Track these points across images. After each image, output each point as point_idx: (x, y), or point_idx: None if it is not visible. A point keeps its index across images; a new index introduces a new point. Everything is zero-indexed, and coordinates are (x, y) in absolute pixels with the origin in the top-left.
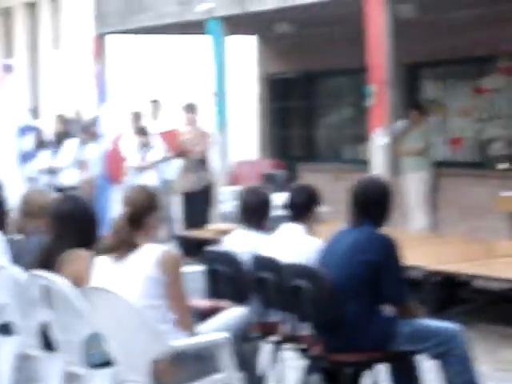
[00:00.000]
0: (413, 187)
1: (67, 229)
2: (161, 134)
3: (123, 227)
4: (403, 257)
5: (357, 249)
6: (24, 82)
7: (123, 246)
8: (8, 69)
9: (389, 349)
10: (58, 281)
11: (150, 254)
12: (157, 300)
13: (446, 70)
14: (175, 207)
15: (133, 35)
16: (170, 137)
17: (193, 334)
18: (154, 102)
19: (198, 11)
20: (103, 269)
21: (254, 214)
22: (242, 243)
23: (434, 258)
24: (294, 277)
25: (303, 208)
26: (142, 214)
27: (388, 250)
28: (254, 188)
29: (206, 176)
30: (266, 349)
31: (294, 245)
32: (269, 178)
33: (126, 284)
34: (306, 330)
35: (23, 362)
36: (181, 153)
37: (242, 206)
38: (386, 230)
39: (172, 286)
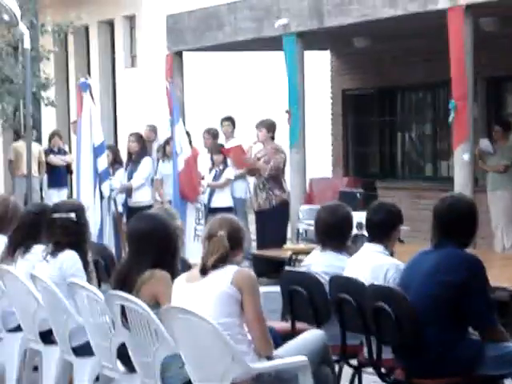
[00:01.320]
0: (497, 205)
1: (145, 248)
2: (226, 150)
3: (225, 247)
4: (489, 278)
5: (439, 269)
6: (100, 100)
7: (217, 264)
8: (85, 88)
9: (475, 373)
10: (135, 301)
11: (226, 273)
12: (232, 318)
13: None
14: (249, 226)
15: (209, 52)
16: (235, 153)
17: (271, 355)
18: (228, 119)
19: (275, 27)
20: (181, 287)
21: (333, 233)
22: (322, 264)
23: None
24: (375, 299)
25: (382, 227)
26: (240, 235)
27: (474, 270)
28: (332, 206)
29: (277, 194)
30: (346, 372)
31: (373, 266)
32: (345, 197)
33: (202, 302)
34: (387, 353)
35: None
36: (252, 170)
37: (320, 225)
38: (469, 249)
39: (249, 306)
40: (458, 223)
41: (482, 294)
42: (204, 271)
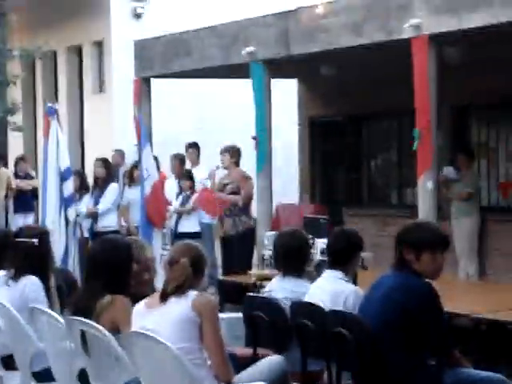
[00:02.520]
0: (460, 232)
1: (97, 273)
2: (198, 202)
3: (187, 274)
4: (444, 304)
5: (392, 296)
6: (68, 125)
7: (178, 290)
8: (52, 112)
9: None
10: (95, 327)
11: (187, 298)
12: (192, 343)
13: (495, 113)
14: (215, 252)
15: (176, 79)
16: (205, 202)
17: (230, 381)
18: (193, 146)
19: (242, 54)
20: (140, 313)
21: (291, 258)
22: (283, 289)
23: (482, 305)
24: (335, 324)
25: (343, 253)
26: (202, 262)
27: (425, 297)
28: (289, 231)
29: (244, 220)
30: None
31: (333, 292)
32: (310, 223)
33: (162, 327)
34: (347, 379)
35: None
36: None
37: (278, 251)
38: None
39: (208, 331)
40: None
41: (437, 320)
42: (164, 297)
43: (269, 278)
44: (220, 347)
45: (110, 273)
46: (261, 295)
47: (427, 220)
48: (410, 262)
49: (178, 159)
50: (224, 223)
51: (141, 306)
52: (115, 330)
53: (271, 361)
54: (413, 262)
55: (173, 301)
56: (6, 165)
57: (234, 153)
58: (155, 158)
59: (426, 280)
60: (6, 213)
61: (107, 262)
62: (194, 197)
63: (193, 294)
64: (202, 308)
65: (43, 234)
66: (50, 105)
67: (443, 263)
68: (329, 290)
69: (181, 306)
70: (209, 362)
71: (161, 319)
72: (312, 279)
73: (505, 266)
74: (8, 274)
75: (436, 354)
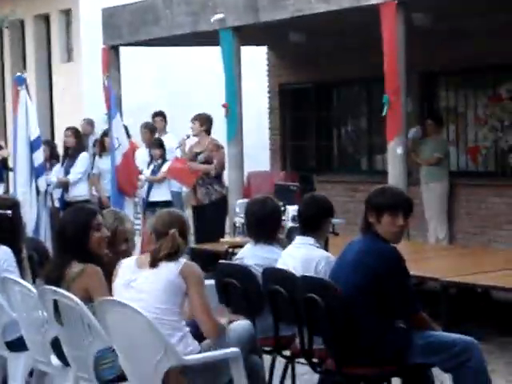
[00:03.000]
0: (430, 197)
1: (64, 243)
2: (169, 172)
3: (178, 244)
4: (413, 268)
5: (361, 261)
6: (37, 94)
7: (169, 257)
8: (20, 82)
9: (403, 362)
10: (67, 296)
11: (176, 264)
12: (173, 306)
13: (463, 79)
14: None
15: (144, 47)
16: (177, 172)
17: (220, 336)
18: (160, 114)
19: (211, 21)
20: (129, 270)
21: (261, 225)
22: (254, 256)
23: (451, 269)
24: (307, 290)
25: (313, 220)
26: (187, 231)
27: (391, 261)
28: (260, 199)
29: (217, 189)
30: (278, 363)
31: (304, 258)
32: (281, 190)
33: (149, 287)
34: (318, 344)
35: (35, 378)
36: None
37: (250, 219)
38: (403, 241)
39: (194, 294)
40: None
41: (401, 283)
42: (154, 264)
43: (241, 246)
44: (206, 306)
45: (71, 240)
46: (233, 262)
47: (393, 185)
48: (373, 225)
49: (148, 128)
50: (197, 192)
51: (131, 261)
52: (88, 299)
53: (239, 325)
54: (375, 224)
55: (163, 265)
56: None
57: (203, 120)
58: (125, 127)
59: (391, 245)
60: None
61: (67, 229)
62: (166, 166)
63: (182, 261)
64: (190, 274)
65: (15, 205)
66: (18, 74)
67: (405, 228)
68: (300, 256)
69: (169, 270)
70: (185, 329)
71: (148, 279)
72: (283, 246)
73: (474, 230)
74: None
75: (403, 317)
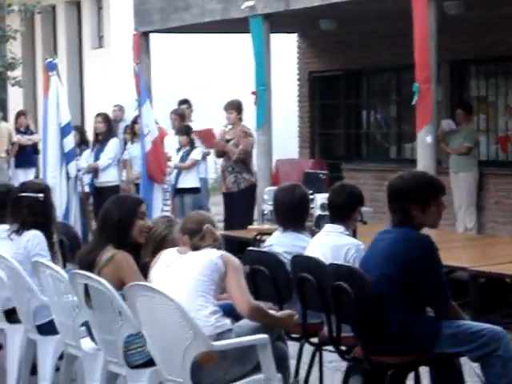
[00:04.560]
0: (459, 187)
1: (105, 229)
2: (196, 132)
3: (217, 238)
4: (442, 258)
5: (393, 250)
6: (67, 80)
7: (199, 245)
8: (52, 67)
9: (431, 351)
10: (97, 281)
11: (217, 251)
12: (212, 283)
13: (494, 68)
14: (215, 207)
15: (175, 34)
16: (205, 135)
17: (255, 317)
18: (185, 102)
19: (241, 8)
20: (168, 257)
21: (290, 213)
22: (283, 244)
23: (480, 259)
24: (335, 278)
25: (343, 208)
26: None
27: (425, 251)
28: (288, 187)
29: (245, 177)
30: (306, 350)
31: (332, 245)
32: (310, 178)
33: (190, 263)
34: (346, 331)
35: (65, 362)
36: (221, 153)
37: (278, 206)
38: (430, 230)
39: (234, 278)
40: (410, 202)
41: (435, 272)
42: (196, 249)
43: (269, 233)
44: (244, 289)
45: (114, 227)
46: (261, 249)
47: (414, 171)
48: (416, 217)
49: (178, 114)
50: (226, 180)
51: (172, 250)
52: (119, 284)
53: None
54: (418, 217)
55: (205, 250)
56: (5, 120)
57: (239, 109)
58: (155, 114)
59: (426, 234)
60: (8, 168)
61: (112, 216)
62: (194, 153)
63: (224, 251)
64: (230, 261)
65: (47, 189)
66: (49, 59)
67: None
68: (330, 244)
69: (211, 252)
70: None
71: (190, 258)
72: (312, 234)
73: (503, 220)
74: (11, 228)
75: (434, 306)
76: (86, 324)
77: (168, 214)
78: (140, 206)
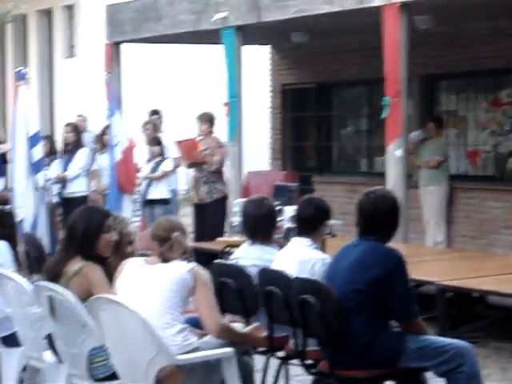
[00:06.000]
0: (429, 200)
1: (71, 240)
2: (178, 142)
3: (185, 247)
4: (411, 272)
5: (362, 264)
6: (39, 90)
7: (167, 256)
8: (21, 77)
9: (397, 365)
10: (62, 293)
11: (186, 264)
12: (180, 300)
13: (464, 82)
14: (185, 218)
15: (146, 44)
16: (187, 146)
17: (222, 337)
18: (156, 113)
19: (213, 20)
20: (134, 267)
21: (257, 226)
22: (250, 257)
23: (448, 273)
24: (301, 291)
25: (310, 221)
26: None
27: (393, 264)
28: (256, 199)
29: (219, 188)
30: (272, 364)
31: (298, 258)
32: (280, 190)
33: (158, 277)
34: (312, 345)
35: (28, 374)
36: (195, 163)
37: (245, 218)
38: (399, 244)
39: (203, 293)
40: (379, 218)
41: (402, 287)
42: (166, 261)
43: (238, 245)
44: (212, 304)
45: (80, 239)
46: (228, 262)
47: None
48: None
49: (151, 125)
50: (199, 191)
51: (138, 260)
52: (87, 297)
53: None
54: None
55: (174, 262)
56: None
57: (211, 121)
58: (125, 124)
59: (394, 247)
60: None
61: (78, 228)
62: (165, 165)
63: (194, 264)
64: (200, 275)
65: (10, 201)
66: (19, 69)
67: None
68: (296, 257)
69: (181, 266)
70: (181, 325)
71: (158, 271)
72: (281, 246)
73: (472, 234)
74: None
75: (401, 320)
76: (48, 336)
77: (137, 224)
78: (107, 220)
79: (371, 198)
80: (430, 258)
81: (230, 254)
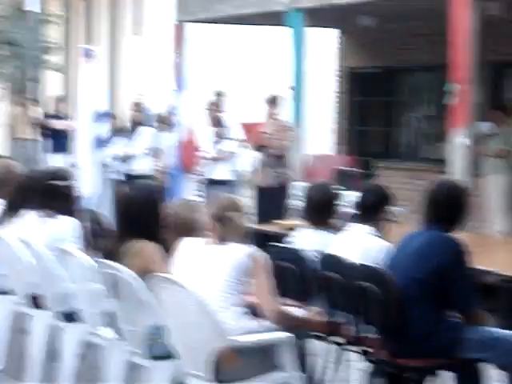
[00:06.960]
0: (493, 190)
1: (131, 220)
2: (245, 124)
3: (243, 227)
4: (473, 261)
5: (423, 253)
6: (104, 68)
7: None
8: (89, 55)
9: (454, 356)
10: (124, 271)
11: (243, 248)
12: (239, 284)
13: None
14: (248, 201)
15: (213, 24)
16: (254, 129)
17: (276, 321)
18: (220, 94)
19: (281, 2)
20: (192, 247)
21: (319, 211)
22: (308, 240)
23: (510, 263)
24: (360, 278)
25: (372, 209)
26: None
27: (455, 254)
28: (320, 185)
29: (284, 172)
30: (330, 349)
31: (361, 246)
32: (342, 175)
33: (217, 260)
34: (371, 332)
35: (88, 350)
36: (260, 146)
37: (307, 203)
38: (462, 233)
39: (262, 277)
40: (451, 208)
41: (464, 277)
42: (223, 242)
43: (293, 228)
44: (271, 290)
45: (139, 219)
46: (287, 246)
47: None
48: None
49: (215, 106)
50: (265, 174)
51: (196, 240)
52: (144, 275)
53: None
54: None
55: (232, 244)
56: (42, 104)
57: (277, 103)
58: (190, 104)
59: (457, 237)
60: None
61: (135, 207)
62: (226, 145)
63: (253, 248)
64: (259, 260)
65: (73, 176)
66: (87, 47)
67: None
68: (359, 244)
69: (239, 249)
70: (239, 310)
71: (217, 253)
72: (337, 231)
73: None
74: (42, 214)
75: (460, 311)
76: (108, 313)
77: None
78: (161, 196)
79: (444, 188)
80: (492, 248)
81: (285, 236)
